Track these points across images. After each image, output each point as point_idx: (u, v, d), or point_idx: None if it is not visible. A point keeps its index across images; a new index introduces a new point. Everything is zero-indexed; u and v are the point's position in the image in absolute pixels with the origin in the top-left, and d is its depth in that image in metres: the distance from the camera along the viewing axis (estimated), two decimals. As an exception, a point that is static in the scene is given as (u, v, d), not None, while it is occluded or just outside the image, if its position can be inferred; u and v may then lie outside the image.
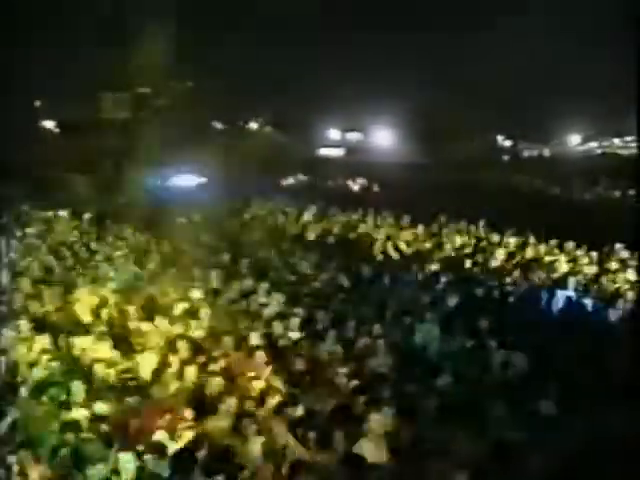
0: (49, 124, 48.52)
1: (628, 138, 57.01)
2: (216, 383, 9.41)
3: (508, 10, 45.61)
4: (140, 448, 8.04)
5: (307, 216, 23.38)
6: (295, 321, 11.93)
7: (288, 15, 43.83)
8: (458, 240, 19.32)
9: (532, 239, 18.80)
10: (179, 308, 12.74)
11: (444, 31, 47.18)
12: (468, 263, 17.07)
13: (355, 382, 9.66)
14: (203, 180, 39.62)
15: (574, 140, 57.96)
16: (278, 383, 9.72)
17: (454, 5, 47.05)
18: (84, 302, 12.93)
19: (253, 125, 53.96)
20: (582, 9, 44.24)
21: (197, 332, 11.68)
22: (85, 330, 11.62)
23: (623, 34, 40.53)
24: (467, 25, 47.08)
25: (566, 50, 46.95)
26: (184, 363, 10.09)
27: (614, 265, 16.40)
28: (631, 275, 15.35)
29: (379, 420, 8.33)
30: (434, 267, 16.57)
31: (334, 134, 55.80)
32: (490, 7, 46.21)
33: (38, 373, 9.89)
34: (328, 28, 45.85)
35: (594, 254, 17.27)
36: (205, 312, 12.27)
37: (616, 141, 57.79)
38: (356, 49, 46.74)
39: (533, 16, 45.43)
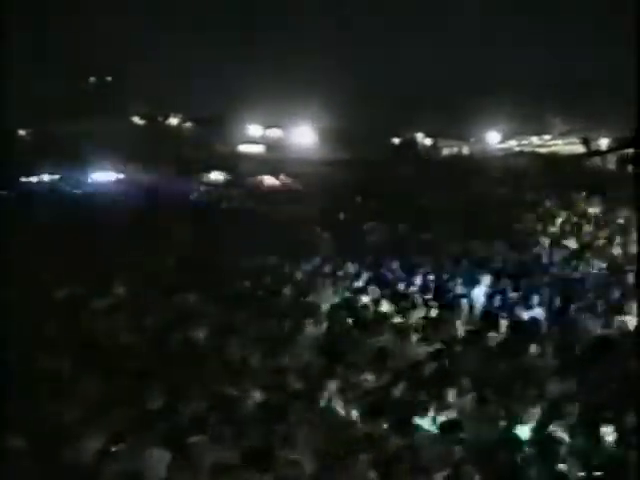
0: None
1: (546, 137, 57.87)
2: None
3: (429, 9, 45.97)
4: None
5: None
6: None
7: (212, 13, 43.64)
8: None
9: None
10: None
11: (366, 31, 47.43)
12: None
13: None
14: (120, 177, 39.21)
15: (494, 138, 58.47)
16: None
17: (376, 6, 47.29)
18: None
19: (173, 120, 53.52)
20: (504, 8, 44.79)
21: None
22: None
23: (546, 35, 41.09)
24: (390, 25, 47.37)
25: (488, 50, 47.53)
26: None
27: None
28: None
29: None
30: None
31: (255, 130, 55.51)
32: (411, 7, 46.53)
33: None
34: (250, 27, 45.76)
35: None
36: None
37: (534, 139, 58.53)
38: (278, 47, 46.74)
39: (453, 16, 45.86)
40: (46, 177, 38.31)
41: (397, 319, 13.01)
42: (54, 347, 10.91)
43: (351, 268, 16.45)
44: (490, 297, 14.50)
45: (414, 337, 12.08)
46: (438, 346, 11.61)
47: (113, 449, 8.15)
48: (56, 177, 38.24)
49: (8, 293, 12.81)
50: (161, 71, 44.81)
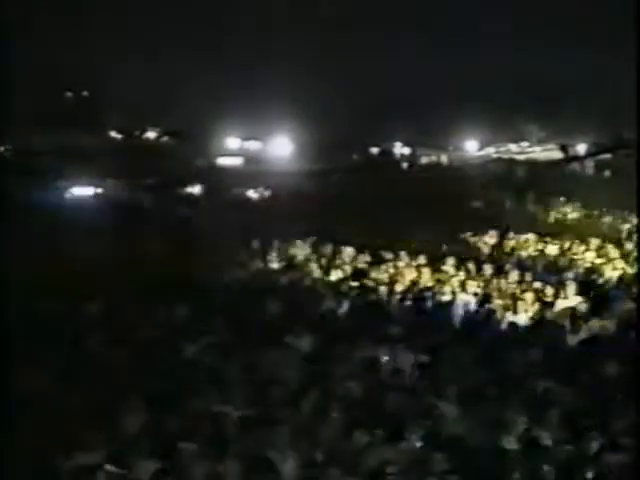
0: None
1: (524, 144, 58.03)
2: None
3: (403, 20, 46.08)
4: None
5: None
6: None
7: (188, 26, 43.57)
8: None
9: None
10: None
11: (344, 42, 47.43)
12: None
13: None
14: (99, 191, 38.98)
15: (472, 146, 58.57)
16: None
17: (350, 17, 47.29)
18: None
19: (150, 134, 53.33)
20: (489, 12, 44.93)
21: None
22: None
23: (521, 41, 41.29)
24: (366, 36, 47.42)
25: (463, 58, 47.61)
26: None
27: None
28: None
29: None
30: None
31: (233, 143, 55.34)
32: (386, 18, 46.59)
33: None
34: (227, 39, 45.67)
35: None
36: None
37: (512, 147, 58.68)
38: (255, 59, 46.64)
39: (426, 27, 46.00)
40: (23, 193, 38.05)
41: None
42: (36, 362, 10.83)
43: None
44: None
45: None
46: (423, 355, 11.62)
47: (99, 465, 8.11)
48: (32, 193, 38.01)
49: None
50: (138, 85, 44.62)
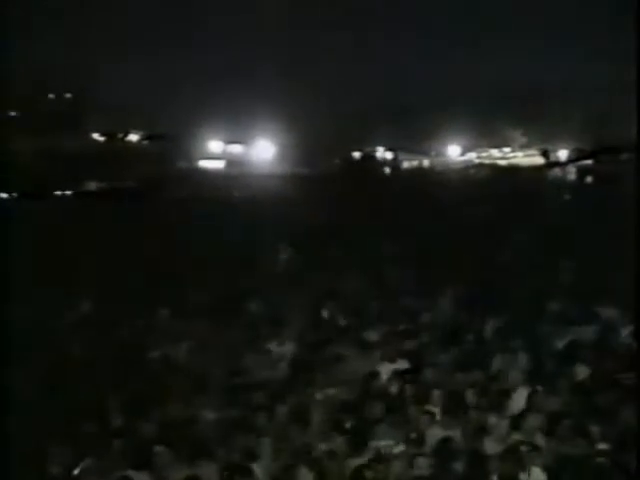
0: None
1: (505, 149, 58.20)
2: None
3: (385, 26, 46.19)
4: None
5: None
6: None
7: (170, 30, 43.55)
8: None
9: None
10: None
11: (326, 47, 47.48)
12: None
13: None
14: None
15: (454, 152, 58.69)
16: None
17: (335, 22, 47.37)
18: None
19: (133, 137, 53.21)
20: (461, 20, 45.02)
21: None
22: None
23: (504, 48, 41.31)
24: (348, 40, 47.48)
25: (445, 63, 47.73)
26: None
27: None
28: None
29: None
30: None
31: (215, 146, 55.26)
32: (368, 23, 46.71)
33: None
34: (210, 43, 45.66)
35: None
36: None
37: (494, 152, 58.80)
38: (238, 63, 46.62)
39: (409, 31, 46.11)
40: (4, 195, 37.86)
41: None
42: (18, 363, 10.79)
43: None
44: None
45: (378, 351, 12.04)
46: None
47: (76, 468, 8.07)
48: (16, 195, 37.85)
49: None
50: (120, 88, 44.55)
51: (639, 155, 36.13)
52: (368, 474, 8.23)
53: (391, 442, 9.29)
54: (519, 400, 10.40)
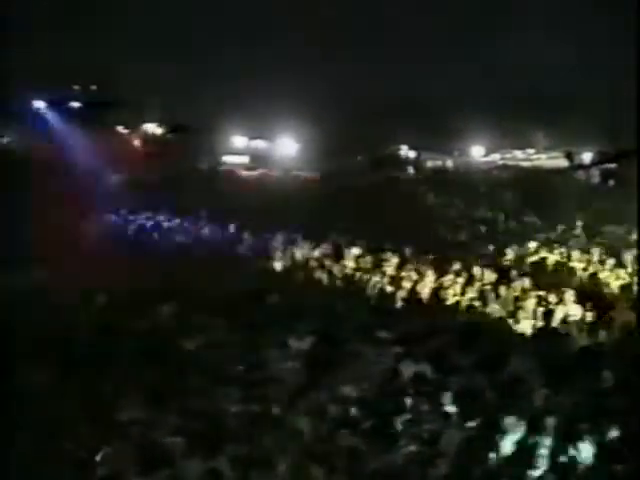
0: None
1: (530, 151, 58.01)
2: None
3: (412, 25, 46.05)
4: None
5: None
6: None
7: (195, 24, 43.60)
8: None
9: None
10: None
11: (351, 45, 47.43)
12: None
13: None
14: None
15: (478, 152, 58.56)
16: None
17: (361, 21, 47.30)
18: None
19: (157, 130, 53.33)
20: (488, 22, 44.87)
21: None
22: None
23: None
24: (374, 38, 47.40)
25: (470, 63, 47.59)
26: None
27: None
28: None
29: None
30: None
31: (239, 141, 55.38)
32: (394, 22, 46.58)
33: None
34: (236, 39, 45.67)
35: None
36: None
37: (518, 153, 58.63)
38: (263, 59, 46.65)
39: (434, 32, 46.03)
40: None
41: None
42: (35, 355, 10.83)
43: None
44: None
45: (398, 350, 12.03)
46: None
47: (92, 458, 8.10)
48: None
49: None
50: (145, 81, 44.68)
51: (639, 155, 36.10)
52: (386, 470, 8.25)
53: (408, 441, 9.30)
54: (537, 401, 10.40)
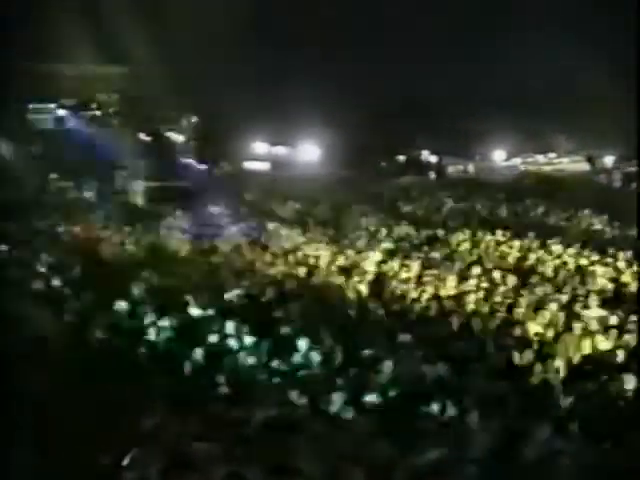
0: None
1: (551, 155, 57.88)
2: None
3: (432, 28, 46.10)
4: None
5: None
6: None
7: (215, 25, 43.70)
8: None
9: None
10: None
11: (371, 50, 47.51)
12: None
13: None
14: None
15: (499, 156, 58.49)
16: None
17: (380, 24, 47.37)
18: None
19: (179, 138, 53.48)
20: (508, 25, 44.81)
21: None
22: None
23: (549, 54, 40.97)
24: (394, 42, 47.45)
25: (493, 67, 47.55)
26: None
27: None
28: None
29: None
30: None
31: (260, 147, 55.54)
32: (414, 26, 46.64)
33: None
34: (255, 40, 45.78)
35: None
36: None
37: (540, 158, 58.51)
38: (283, 65, 46.78)
39: (457, 35, 45.99)
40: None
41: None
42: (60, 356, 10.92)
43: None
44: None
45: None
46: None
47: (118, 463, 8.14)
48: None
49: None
50: (166, 88, 44.85)
51: (639, 155, 35.91)
52: (411, 472, 8.26)
53: (434, 447, 9.32)
54: (560, 405, 10.40)
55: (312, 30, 45.39)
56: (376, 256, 19.27)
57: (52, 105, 45.16)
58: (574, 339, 12.56)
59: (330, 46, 46.16)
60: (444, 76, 48.26)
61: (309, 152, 54.33)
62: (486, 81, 48.06)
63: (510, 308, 14.33)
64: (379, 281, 16.84)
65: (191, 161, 47.46)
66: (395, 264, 18.18)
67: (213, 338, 12.11)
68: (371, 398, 10.40)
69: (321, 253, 19.73)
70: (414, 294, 15.59)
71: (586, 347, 12.39)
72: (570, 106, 45.77)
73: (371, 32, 47.58)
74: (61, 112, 45.09)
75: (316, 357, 11.51)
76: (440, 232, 24.54)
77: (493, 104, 47.88)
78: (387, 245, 21.73)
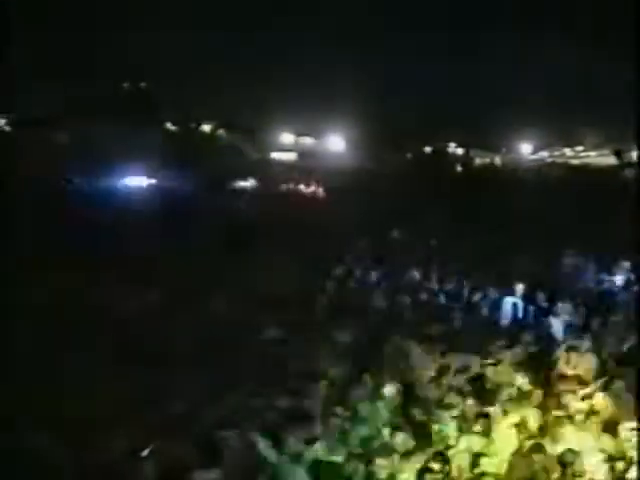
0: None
1: (578, 148, 57.63)
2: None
3: (462, 25, 46.03)
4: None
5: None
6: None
7: (241, 15, 43.80)
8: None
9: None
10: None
11: (398, 43, 47.45)
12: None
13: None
14: (152, 181, 39.35)
15: (526, 149, 58.32)
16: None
17: (408, 20, 47.32)
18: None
19: (206, 127, 53.68)
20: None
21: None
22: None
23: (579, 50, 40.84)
24: (422, 36, 47.41)
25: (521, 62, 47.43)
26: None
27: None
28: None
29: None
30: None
31: (287, 138, 55.62)
32: (444, 22, 46.60)
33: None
34: (283, 29, 45.83)
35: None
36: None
37: (567, 151, 58.28)
38: (311, 56, 46.78)
39: (484, 31, 45.91)
40: (77, 180, 38.27)
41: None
42: (88, 346, 11.00)
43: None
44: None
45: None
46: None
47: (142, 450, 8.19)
48: (87, 180, 38.26)
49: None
50: (194, 77, 45.02)
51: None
52: (433, 469, 8.29)
53: (454, 438, 9.36)
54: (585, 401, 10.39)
55: (342, 23, 45.46)
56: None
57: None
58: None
59: (360, 39, 46.24)
60: (474, 69, 48.21)
61: (335, 143, 54.42)
62: (517, 74, 48.07)
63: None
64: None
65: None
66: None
67: None
68: None
69: None
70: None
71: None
72: (597, 99, 45.56)
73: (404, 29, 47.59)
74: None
75: None
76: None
77: (521, 98, 47.78)
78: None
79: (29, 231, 18.42)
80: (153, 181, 39.46)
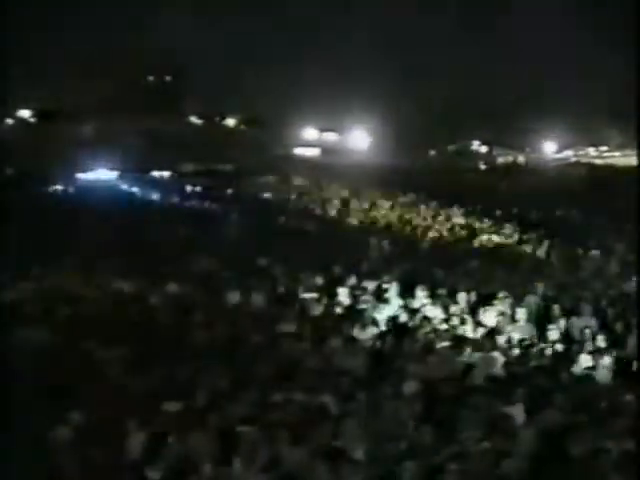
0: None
1: (602, 148, 57.35)
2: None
3: (487, 24, 45.98)
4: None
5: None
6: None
7: (267, 12, 43.89)
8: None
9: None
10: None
11: (424, 39, 47.42)
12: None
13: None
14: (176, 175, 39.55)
15: (550, 148, 58.15)
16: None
17: (432, 18, 47.32)
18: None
19: (230, 121, 53.80)
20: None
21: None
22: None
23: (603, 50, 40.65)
24: (448, 34, 47.40)
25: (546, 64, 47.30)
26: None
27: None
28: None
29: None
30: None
31: (311, 133, 55.58)
32: (468, 20, 46.58)
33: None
34: (309, 27, 45.87)
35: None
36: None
37: (591, 150, 58.05)
38: (337, 52, 46.77)
39: (509, 31, 45.85)
40: (104, 174, 38.37)
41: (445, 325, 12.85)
42: (109, 338, 11.04)
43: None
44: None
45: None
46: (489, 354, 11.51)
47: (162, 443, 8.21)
48: (114, 174, 38.37)
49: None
50: (219, 72, 45.12)
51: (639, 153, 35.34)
52: (452, 468, 8.25)
53: (476, 438, 9.31)
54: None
55: (368, 19, 45.48)
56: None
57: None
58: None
59: (386, 35, 46.24)
60: (499, 70, 48.19)
61: (359, 139, 54.36)
62: (541, 75, 47.99)
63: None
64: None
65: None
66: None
67: None
68: None
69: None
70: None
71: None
72: (622, 99, 45.33)
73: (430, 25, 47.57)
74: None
75: None
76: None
77: (546, 97, 47.70)
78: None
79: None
80: (177, 175, 39.65)
